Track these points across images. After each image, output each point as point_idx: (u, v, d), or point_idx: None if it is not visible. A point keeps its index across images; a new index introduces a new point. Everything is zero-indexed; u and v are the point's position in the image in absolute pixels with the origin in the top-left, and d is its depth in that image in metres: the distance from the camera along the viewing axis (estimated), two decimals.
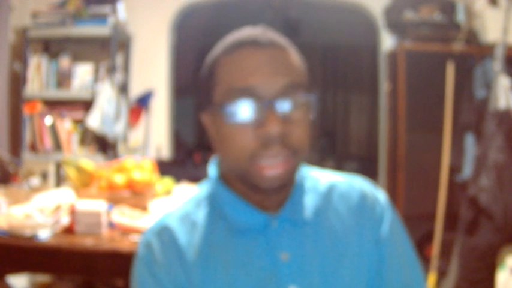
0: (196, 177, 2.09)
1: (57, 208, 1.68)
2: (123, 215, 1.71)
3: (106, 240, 1.59)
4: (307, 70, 0.87)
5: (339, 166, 6.51)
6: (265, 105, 0.79)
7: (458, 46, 3.16)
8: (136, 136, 3.67)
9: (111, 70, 3.36)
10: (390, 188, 3.44)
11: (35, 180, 2.48)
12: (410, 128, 3.30)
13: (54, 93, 3.45)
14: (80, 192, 1.87)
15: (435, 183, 3.00)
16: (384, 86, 3.71)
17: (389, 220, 0.92)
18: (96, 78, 3.46)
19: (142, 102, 3.64)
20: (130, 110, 3.58)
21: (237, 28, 0.89)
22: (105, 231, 1.65)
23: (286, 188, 0.87)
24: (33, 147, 3.41)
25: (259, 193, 0.85)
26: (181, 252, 0.85)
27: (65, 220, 1.65)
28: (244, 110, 0.79)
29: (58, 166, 2.84)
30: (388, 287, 0.88)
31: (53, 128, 3.42)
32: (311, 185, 0.93)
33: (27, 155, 3.38)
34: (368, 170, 4.62)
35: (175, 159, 4.00)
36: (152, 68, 3.80)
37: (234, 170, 0.85)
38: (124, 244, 1.55)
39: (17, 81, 3.43)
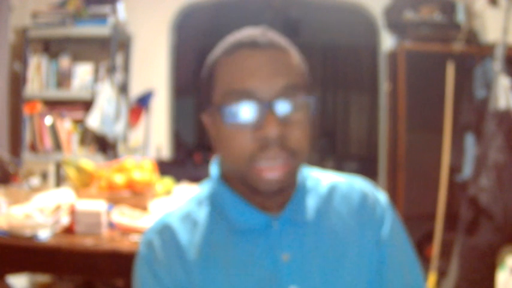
0: (196, 177, 2.09)
1: (57, 208, 1.68)
2: (123, 215, 1.71)
3: (106, 240, 1.59)
4: (308, 70, 0.87)
5: (339, 166, 6.51)
6: (263, 107, 0.79)
7: (458, 46, 3.16)
8: (136, 136, 3.67)
9: (111, 70, 3.36)
10: (390, 188, 3.44)
11: (35, 180, 2.48)
12: (410, 128, 3.30)
13: (54, 93, 3.45)
14: (80, 192, 1.87)
15: (435, 183, 3.00)
16: (384, 86, 3.71)
17: (389, 221, 0.92)
18: (96, 78, 3.46)
19: (142, 102, 3.64)
20: (130, 110, 3.58)
21: (237, 28, 0.89)
22: (105, 231, 1.65)
23: (287, 190, 0.87)
24: (33, 147, 3.41)
25: (259, 195, 0.85)
26: (182, 252, 0.85)
27: (65, 220, 1.65)
28: (243, 112, 0.79)
29: (58, 166, 2.84)
30: (388, 287, 0.88)
31: (53, 128, 3.42)
32: (312, 186, 0.93)
33: (27, 155, 3.38)
34: (368, 170, 4.62)
35: (175, 159, 4.00)
36: (152, 68, 3.80)
37: (233, 171, 0.85)
38: (124, 244, 1.55)
39: (17, 81, 3.43)
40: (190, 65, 5.54)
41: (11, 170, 2.46)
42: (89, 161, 2.05)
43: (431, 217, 2.98)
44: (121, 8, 3.45)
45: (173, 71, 3.96)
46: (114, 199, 1.82)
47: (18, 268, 1.75)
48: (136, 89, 3.68)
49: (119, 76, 3.53)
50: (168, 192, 2.11)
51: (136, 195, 1.87)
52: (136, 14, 3.67)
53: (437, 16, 3.31)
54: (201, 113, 0.89)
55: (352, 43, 6.31)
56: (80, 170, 1.95)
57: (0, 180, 2.34)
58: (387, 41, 3.68)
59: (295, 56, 0.85)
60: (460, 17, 3.27)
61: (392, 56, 3.50)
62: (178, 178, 2.29)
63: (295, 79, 0.82)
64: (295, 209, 0.88)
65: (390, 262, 0.89)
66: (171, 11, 3.83)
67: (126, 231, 1.64)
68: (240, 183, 0.86)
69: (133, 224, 1.66)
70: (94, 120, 3.26)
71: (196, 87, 5.92)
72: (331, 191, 0.93)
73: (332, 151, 6.86)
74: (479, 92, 3.00)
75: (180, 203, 0.94)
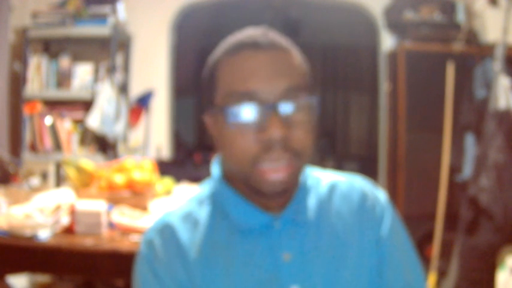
0: (196, 177, 2.09)
1: (57, 208, 1.68)
2: (123, 215, 1.71)
3: (106, 240, 1.59)
4: (309, 70, 0.87)
5: (339, 166, 6.52)
6: (266, 109, 0.79)
7: (458, 46, 3.16)
8: (136, 136, 3.67)
9: (111, 70, 3.36)
10: (390, 188, 3.44)
11: (35, 180, 2.48)
12: (410, 128, 3.30)
13: (54, 93, 3.45)
14: (80, 192, 1.87)
15: (435, 183, 3.00)
16: (384, 86, 3.71)
17: (389, 220, 0.92)
18: (96, 78, 3.46)
19: (142, 102, 3.64)
20: (130, 110, 3.58)
21: (237, 28, 0.89)
22: (105, 231, 1.65)
23: (290, 191, 0.87)
24: (33, 147, 3.41)
25: (263, 197, 0.85)
26: (183, 251, 0.85)
27: (65, 220, 1.65)
28: (245, 114, 0.79)
29: (58, 166, 2.85)
30: (388, 286, 0.89)
31: (53, 128, 3.42)
32: (313, 185, 0.93)
33: (27, 155, 3.38)
34: (368, 170, 4.61)
35: (175, 159, 4.00)
36: (152, 68, 3.80)
37: (236, 172, 0.85)
38: (124, 244, 1.55)
39: (17, 81, 3.43)
40: (190, 65, 5.54)
41: (11, 170, 2.46)
42: (89, 161, 2.05)
43: (431, 217, 2.98)
44: (121, 8, 3.45)
45: (173, 71, 3.96)
46: (114, 199, 1.82)
47: (18, 268, 1.75)
48: (136, 89, 3.68)
49: (119, 76, 3.53)
50: (168, 192, 2.11)
51: (136, 195, 1.87)
52: (136, 14, 3.67)
53: (437, 16, 3.31)
54: (203, 113, 0.89)
55: (352, 43, 6.31)
56: (80, 170, 1.95)
57: (0, 180, 2.34)
58: (387, 41, 3.68)
59: (297, 56, 0.85)
60: (460, 17, 3.28)
61: (392, 56, 3.50)
62: (178, 178, 2.29)
63: (297, 80, 0.82)
64: (296, 209, 0.88)
65: (390, 261, 0.89)
66: (171, 11, 3.83)
67: (126, 231, 1.64)
68: (242, 183, 0.85)
69: (134, 224, 1.66)
70: (94, 120, 3.26)
71: (197, 87, 5.93)
72: (331, 190, 0.93)
73: (332, 151, 6.86)
74: (479, 92, 3.00)
75: (181, 202, 0.94)
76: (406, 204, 3.25)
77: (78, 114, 3.44)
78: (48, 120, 3.41)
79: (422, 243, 3.10)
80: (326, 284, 0.84)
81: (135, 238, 1.58)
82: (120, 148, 3.42)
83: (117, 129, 3.36)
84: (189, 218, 0.89)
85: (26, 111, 3.40)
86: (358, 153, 6.93)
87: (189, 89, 5.75)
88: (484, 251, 2.40)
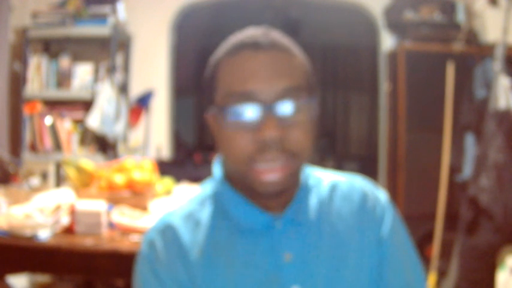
0: (196, 177, 2.09)
1: (57, 208, 1.67)
2: (123, 215, 1.71)
3: (106, 240, 1.59)
4: (312, 70, 0.87)
5: (339, 166, 6.52)
6: (264, 109, 0.79)
7: (458, 46, 3.16)
8: (136, 136, 3.67)
9: (111, 70, 3.36)
10: (390, 188, 3.44)
11: (35, 180, 2.48)
12: (410, 128, 3.30)
13: (54, 93, 3.45)
14: (80, 192, 1.87)
15: (435, 183, 3.00)
16: (384, 86, 3.71)
17: (390, 220, 0.92)
18: (96, 78, 3.46)
19: (142, 102, 3.64)
20: (130, 110, 3.58)
21: (237, 28, 0.89)
22: (105, 231, 1.65)
23: (288, 191, 0.87)
24: (33, 147, 3.41)
25: (259, 197, 0.85)
26: (184, 251, 0.85)
27: (65, 220, 1.65)
28: (243, 114, 0.79)
29: (58, 166, 2.85)
30: (389, 286, 0.89)
31: (53, 128, 3.42)
32: (314, 185, 0.93)
33: (27, 155, 3.38)
34: (368, 170, 4.61)
35: (175, 159, 4.00)
36: (152, 68, 3.80)
37: (234, 172, 0.85)
38: (124, 244, 1.55)
39: (17, 81, 3.43)
40: (191, 65, 5.54)
41: (11, 170, 2.46)
42: (89, 161, 2.05)
43: (431, 217, 2.98)
44: (121, 8, 3.45)
45: (173, 71, 3.96)
46: (114, 199, 1.82)
47: (18, 268, 1.75)
48: (136, 89, 3.68)
49: (119, 76, 3.53)
50: (168, 192, 2.11)
51: (136, 195, 1.87)
52: (136, 14, 3.67)
53: (437, 16, 3.31)
54: (205, 113, 0.89)
55: (352, 43, 6.31)
56: (80, 170, 1.95)
57: (0, 180, 2.34)
58: (387, 41, 3.68)
59: (298, 57, 0.85)
60: (460, 17, 3.28)
61: (392, 56, 3.50)
62: (178, 178, 2.29)
63: (297, 80, 0.82)
64: (297, 209, 0.88)
65: (391, 260, 0.89)
66: (171, 11, 3.83)
67: (126, 231, 1.64)
68: (241, 183, 0.86)
69: (133, 224, 1.66)
70: (94, 120, 3.26)
71: (197, 87, 5.93)
72: (332, 190, 0.93)
73: (332, 151, 6.86)
74: (479, 92, 3.00)
75: (182, 202, 0.94)
76: (406, 204, 3.25)
77: (78, 114, 3.44)
78: (48, 120, 3.41)
79: (423, 243, 3.10)
80: (327, 284, 0.84)
81: (135, 238, 1.58)
82: (120, 148, 3.42)
83: (117, 129, 3.36)
84: (191, 218, 0.89)
85: (26, 111, 3.40)
86: (358, 153, 6.93)
87: (189, 89, 5.75)
88: (484, 251, 2.40)
